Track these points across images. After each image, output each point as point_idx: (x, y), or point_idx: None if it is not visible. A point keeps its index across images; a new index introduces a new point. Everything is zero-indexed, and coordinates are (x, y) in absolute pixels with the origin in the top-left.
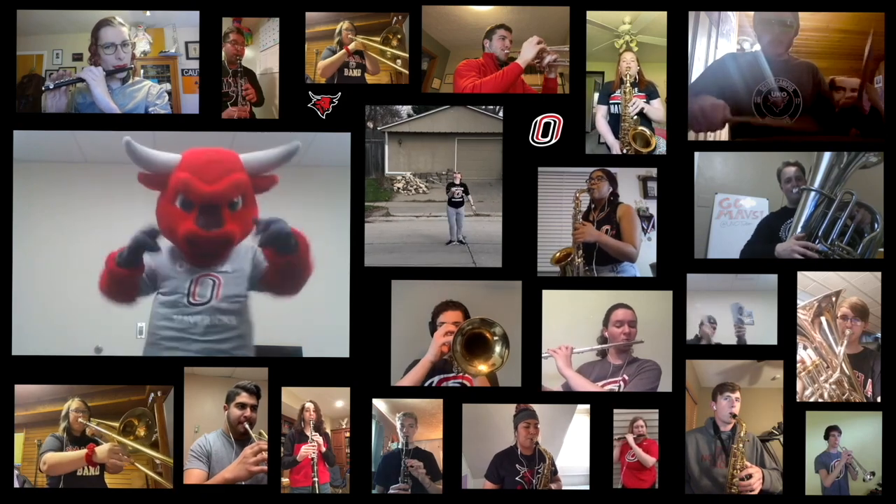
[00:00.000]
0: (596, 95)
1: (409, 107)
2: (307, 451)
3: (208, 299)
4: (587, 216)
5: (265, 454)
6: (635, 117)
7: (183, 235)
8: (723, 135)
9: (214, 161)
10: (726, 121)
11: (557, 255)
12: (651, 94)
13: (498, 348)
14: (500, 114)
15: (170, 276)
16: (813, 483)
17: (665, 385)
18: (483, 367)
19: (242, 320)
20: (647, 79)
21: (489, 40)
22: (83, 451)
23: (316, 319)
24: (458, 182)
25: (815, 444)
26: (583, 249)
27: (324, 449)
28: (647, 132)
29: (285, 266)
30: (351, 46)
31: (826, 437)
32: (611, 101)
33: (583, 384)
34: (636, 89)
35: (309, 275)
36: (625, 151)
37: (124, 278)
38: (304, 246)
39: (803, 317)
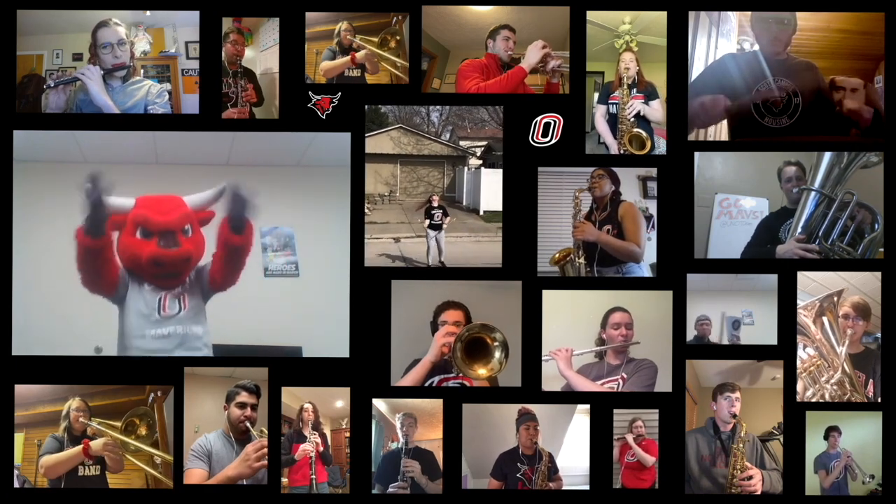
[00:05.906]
0: (596, 95)
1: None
2: (306, 448)
3: (178, 311)
4: (589, 216)
5: (267, 450)
6: (632, 119)
7: (147, 258)
8: (723, 133)
9: (164, 200)
10: (727, 111)
11: (556, 255)
12: (650, 94)
13: (497, 354)
14: (445, 137)
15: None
16: (812, 483)
17: (665, 385)
18: (482, 371)
19: (206, 330)
20: (646, 79)
21: (493, 40)
22: (78, 448)
23: (316, 319)
24: (436, 205)
25: (815, 445)
26: (583, 250)
27: (321, 448)
28: (644, 134)
29: (231, 251)
30: (359, 55)
31: (826, 437)
32: (610, 101)
33: (583, 384)
34: (634, 90)
35: (245, 264)
36: (622, 152)
37: (96, 251)
38: (250, 231)
39: (805, 317)
